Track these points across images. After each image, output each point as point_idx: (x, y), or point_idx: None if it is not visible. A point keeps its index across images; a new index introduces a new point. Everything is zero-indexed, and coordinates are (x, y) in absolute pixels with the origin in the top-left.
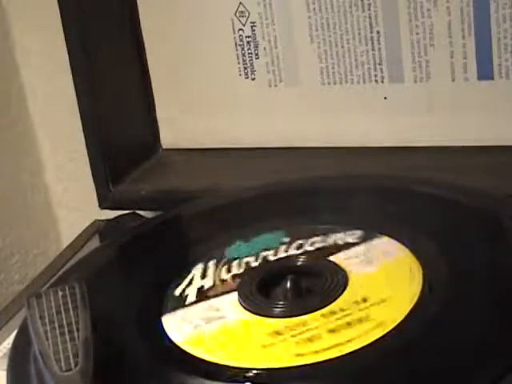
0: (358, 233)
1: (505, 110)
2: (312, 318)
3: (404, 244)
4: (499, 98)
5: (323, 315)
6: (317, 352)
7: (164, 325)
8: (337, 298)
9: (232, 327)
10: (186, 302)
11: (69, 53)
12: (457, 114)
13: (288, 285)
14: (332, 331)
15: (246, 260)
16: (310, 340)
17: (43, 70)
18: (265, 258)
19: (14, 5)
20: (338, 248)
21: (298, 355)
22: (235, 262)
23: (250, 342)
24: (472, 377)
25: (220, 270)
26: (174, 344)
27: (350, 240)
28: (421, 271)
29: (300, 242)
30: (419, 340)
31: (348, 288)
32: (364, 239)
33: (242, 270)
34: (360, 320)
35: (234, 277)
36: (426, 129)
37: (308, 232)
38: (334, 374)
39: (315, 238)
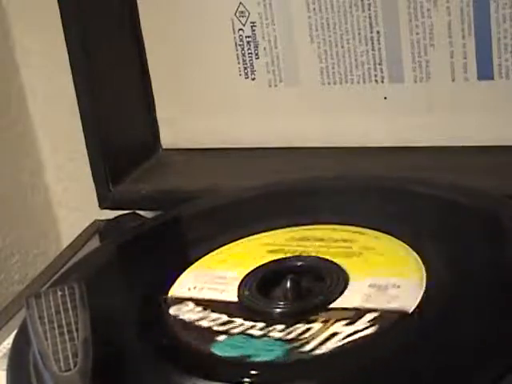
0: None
1: (505, 110)
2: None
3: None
4: (499, 98)
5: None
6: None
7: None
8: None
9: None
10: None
11: (69, 53)
12: (457, 114)
13: (288, 284)
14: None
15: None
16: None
17: (43, 70)
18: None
19: (14, 5)
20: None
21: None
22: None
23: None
24: (472, 377)
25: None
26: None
27: None
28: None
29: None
30: (419, 340)
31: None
32: None
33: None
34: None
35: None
36: (426, 129)
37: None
38: (330, 372)
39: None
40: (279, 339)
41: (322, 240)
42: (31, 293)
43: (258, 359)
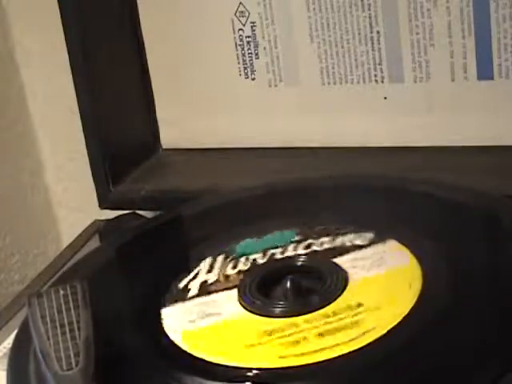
0: (369, 235)
1: (505, 110)
2: (304, 320)
3: (405, 245)
4: (499, 98)
5: (316, 318)
6: (301, 355)
7: (162, 316)
8: (332, 302)
9: (224, 324)
10: (188, 296)
11: (69, 53)
12: (457, 114)
13: (288, 285)
14: (320, 335)
15: (253, 257)
16: (296, 342)
17: (43, 70)
18: (272, 256)
19: (14, 5)
20: (345, 250)
21: (281, 357)
22: (242, 259)
23: (237, 341)
24: (472, 377)
25: (226, 265)
26: (169, 339)
27: (359, 242)
28: (421, 276)
29: (309, 241)
30: (419, 340)
31: (346, 291)
32: (373, 242)
33: (247, 267)
34: (350, 325)
35: (239, 273)
36: (425, 129)
37: (319, 232)
38: (323, 377)
39: (324, 239)
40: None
41: None
42: (32, 292)
43: None
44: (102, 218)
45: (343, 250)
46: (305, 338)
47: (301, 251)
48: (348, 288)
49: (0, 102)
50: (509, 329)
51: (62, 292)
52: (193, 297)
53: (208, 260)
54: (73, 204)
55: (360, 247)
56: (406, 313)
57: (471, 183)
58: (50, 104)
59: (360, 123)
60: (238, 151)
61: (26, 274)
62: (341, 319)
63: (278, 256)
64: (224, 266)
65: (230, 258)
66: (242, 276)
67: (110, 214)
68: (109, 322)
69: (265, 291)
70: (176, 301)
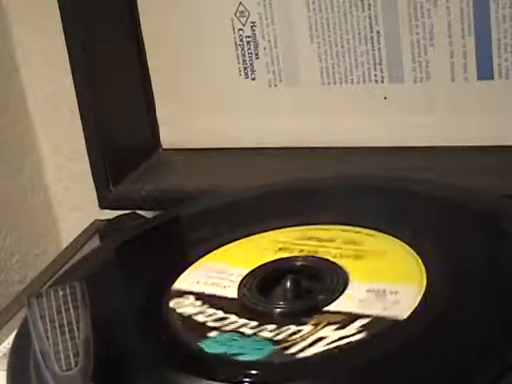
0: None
1: (505, 110)
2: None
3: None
4: (499, 98)
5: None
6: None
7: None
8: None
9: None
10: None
11: (69, 53)
12: (457, 114)
13: (288, 285)
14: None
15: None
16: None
17: (43, 70)
18: None
19: (14, 5)
20: None
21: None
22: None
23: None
24: (472, 377)
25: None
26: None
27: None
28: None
29: None
30: (419, 340)
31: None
32: None
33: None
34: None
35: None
36: (425, 129)
37: None
38: (330, 373)
39: None
40: (268, 339)
41: (331, 241)
42: (32, 292)
43: (242, 358)
44: (102, 218)
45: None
46: None
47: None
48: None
49: (0, 102)
50: (509, 329)
51: (61, 292)
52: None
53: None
54: (73, 204)
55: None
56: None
57: (471, 183)
58: (50, 104)
59: (360, 123)
60: (238, 151)
61: (25, 273)
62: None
63: None
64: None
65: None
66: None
67: (110, 214)
68: (108, 322)
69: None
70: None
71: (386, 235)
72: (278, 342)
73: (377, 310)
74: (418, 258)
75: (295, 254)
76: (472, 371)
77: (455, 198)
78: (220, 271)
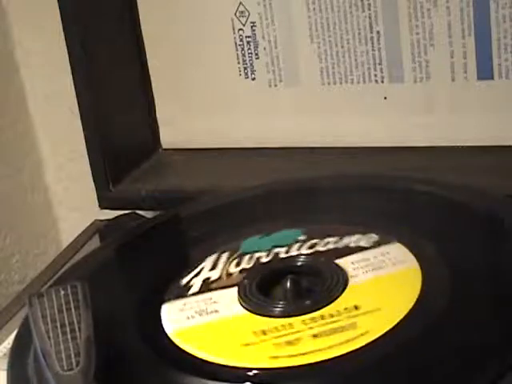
0: (374, 237)
1: (505, 110)
2: (300, 321)
3: (406, 246)
4: (499, 98)
5: (312, 319)
6: (294, 355)
7: (162, 312)
8: (330, 303)
9: (221, 322)
10: (189, 292)
11: (69, 53)
12: (457, 114)
13: (288, 285)
14: (315, 336)
15: (257, 255)
16: (290, 343)
17: (43, 69)
18: (276, 255)
19: (14, 5)
20: (349, 251)
21: (273, 357)
22: (246, 257)
23: (233, 339)
24: (472, 377)
25: (230, 263)
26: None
27: (363, 244)
28: (421, 278)
29: (314, 241)
30: (419, 340)
31: (344, 293)
32: (377, 244)
33: (250, 265)
34: (346, 327)
35: (241, 271)
36: (425, 129)
37: (324, 232)
38: (325, 375)
39: (330, 239)
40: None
41: None
42: (32, 292)
43: None
44: (102, 218)
45: (347, 251)
46: (299, 339)
47: (305, 251)
48: (347, 290)
49: (0, 102)
50: (509, 329)
51: (62, 292)
52: (194, 293)
53: (213, 257)
54: (73, 204)
55: (364, 249)
56: (405, 313)
57: (471, 183)
58: (50, 104)
59: (360, 123)
60: (238, 151)
61: (25, 273)
62: (337, 321)
63: (283, 255)
64: (228, 263)
65: (235, 255)
66: (244, 274)
67: (110, 214)
68: (109, 322)
69: (265, 291)
70: (177, 297)
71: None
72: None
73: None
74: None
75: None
76: (472, 371)
77: (455, 198)
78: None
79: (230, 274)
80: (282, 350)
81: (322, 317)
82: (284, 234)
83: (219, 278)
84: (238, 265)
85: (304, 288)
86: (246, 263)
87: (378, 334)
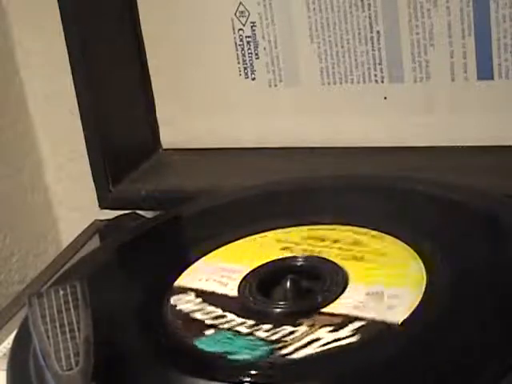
0: None
1: (505, 110)
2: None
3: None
4: (499, 98)
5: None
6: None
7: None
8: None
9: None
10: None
11: (69, 53)
12: (457, 114)
13: (288, 285)
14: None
15: None
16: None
17: (43, 69)
18: None
19: (14, 5)
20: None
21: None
22: None
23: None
24: (472, 377)
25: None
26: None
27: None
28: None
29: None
30: (419, 340)
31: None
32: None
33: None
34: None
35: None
36: (425, 129)
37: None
38: (330, 374)
39: None
40: (263, 339)
41: (336, 241)
42: (32, 292)
43: (236, 357)
44: (102, 218)
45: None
46: None
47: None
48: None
49: (0, 102)
50: (509, 329)
51: (62, 292)
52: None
53: None
54: (73, 204)
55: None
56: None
57: (471, 183)
58: (50, 104)
59: (360, 123)
60: (238, 151)
61: (25, 273)
62: None
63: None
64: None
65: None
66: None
67: (110, 214)
68: (109, 322)
69: (265, 291)
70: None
71: (389, 236)
72: (272, 342)
73: (374, 314)
74: (419, 259)
75: (297, 253)
76: (472, 371)
77: (455, 198)
78: (221, 269)
79: None
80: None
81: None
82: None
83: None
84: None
85: (304, 288)
86: None
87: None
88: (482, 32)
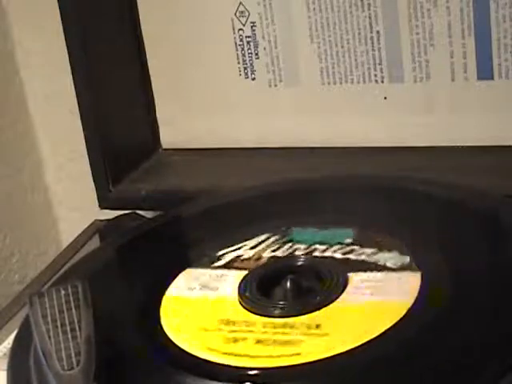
0: (406, 260)
1: (505, 110)
2: (262, 322)
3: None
4: (499, 98)
5: (273, 324)
6: (226, 354)
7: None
8: (301, 315)
9: (206, 301)
10: (215, 264)
11: (69, 53)
12: (457, 114)
13: (287, 284)
14: (258, 342)
15: (296, 247)
16: (235, 341)
17: (43, 70)
18: (313, 252)
19: (14, 5)
20: (372, 267)
21: (210, 349)
22: (287, 246)
23: (198, 321)
24: (472, 377)
25: (269, 247)
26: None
27: (390, 264)
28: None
29: (353, 247)
30: (418, 340)
31: (321, 310)
32: (402, 269)
33: (284, 254)
34: (289, 342)
35: (271, 258)
36: (425, 129)
37: (371, 240)
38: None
39: (367, 250)
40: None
41: None
42: (33, 292)
43: None
44: (102, 218)
45: (369, 268)
46: (244, 339)
47: (337, 255)
48: (328, 308)
49: (0, 102)
50: (509, 329)
51: (63, 291)
52: (217, 267)
53: (262, 237)
54: (73, 204)
55: (385, 269)
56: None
57: (471, 183)
58: (50, 104)
59: (360, 123)
60: (238, 151)
61: (25, 273)
62: (289, 333)
63: (316, 253)
64: (268, 247)
65: (279, 241)
66: (271, 261)
67: (110, 214)
68: (110, 321)
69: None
70: (202, 265)
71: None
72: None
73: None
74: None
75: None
76: (472, 371)
77: (455, 198)
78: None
79: (260, 258)
80: (225, 345)
81: (284, 325)
82: (335, 232)
83: (249, 258)
84: (274, 251)
85: (303, 288)
86: (281, 252)
87: (312, 358)
88: (482, 32)
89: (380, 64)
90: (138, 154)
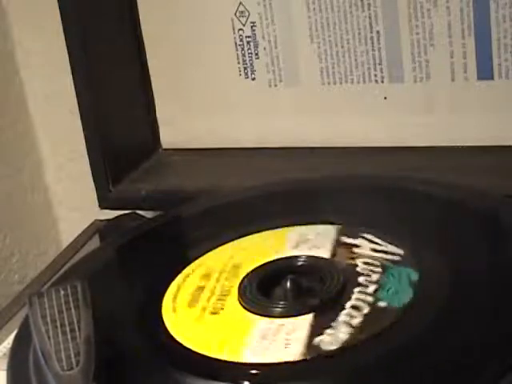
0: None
1: (505, 110)
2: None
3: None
4: (499, 98)
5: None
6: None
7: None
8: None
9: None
10: None
11: (69, 53)
12: (457, 114)
13: (288, 284)
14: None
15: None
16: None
17: (43, 70)
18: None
19: (14, 5)
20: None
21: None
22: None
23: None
24: (472, 377)
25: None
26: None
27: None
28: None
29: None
30: (418, 340)
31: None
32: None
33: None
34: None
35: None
36: (425, 129)
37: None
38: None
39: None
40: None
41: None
42: (32, 292)
43: None
44: (102, 218)
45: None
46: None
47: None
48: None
49: (0, 102)
50: (509, 329)
51: (62, 292)
52: None
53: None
54: (73, 204)
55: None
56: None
57: (471, 183)
58: (50, 104)
59: (360, 123)
60: (238, 151)
61: (25, 273)
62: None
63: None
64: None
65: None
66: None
67: (110, 214)
68: (109, 321)
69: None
70: None
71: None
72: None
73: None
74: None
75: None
76: (472, 371)
77: (455, 198)
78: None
79: None
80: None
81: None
82: None
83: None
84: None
85: (303, 288)
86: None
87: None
88: (482, 32)
89: (380, 64)
90: (138, 153)
